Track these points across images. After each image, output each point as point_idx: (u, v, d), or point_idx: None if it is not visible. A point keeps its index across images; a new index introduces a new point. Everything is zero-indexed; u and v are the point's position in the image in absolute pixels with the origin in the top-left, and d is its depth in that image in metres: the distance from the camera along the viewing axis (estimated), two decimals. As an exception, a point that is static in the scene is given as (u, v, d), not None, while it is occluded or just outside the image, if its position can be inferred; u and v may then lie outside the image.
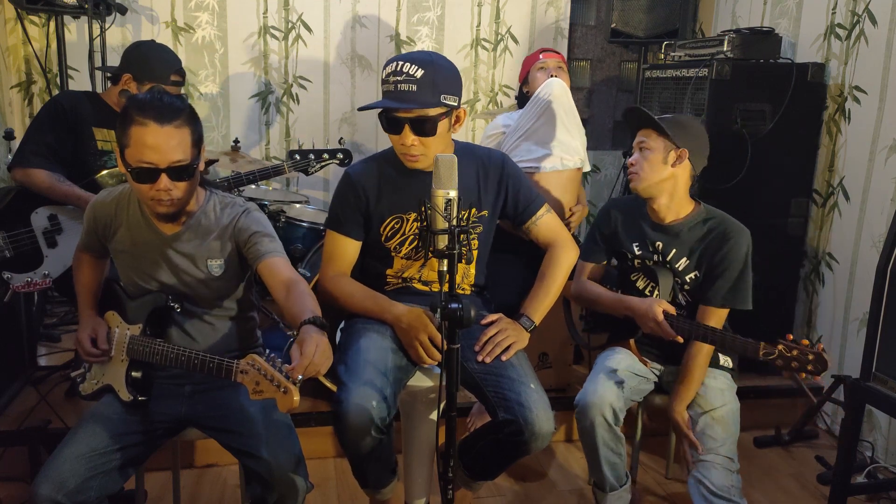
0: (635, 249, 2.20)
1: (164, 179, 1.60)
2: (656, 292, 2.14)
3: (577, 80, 4.21)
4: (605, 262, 2.32)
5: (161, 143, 1.57)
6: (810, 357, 1.80)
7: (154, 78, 2.49)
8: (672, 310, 2.04)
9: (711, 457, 2.01)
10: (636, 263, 2.22)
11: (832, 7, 2.98)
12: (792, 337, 1.84)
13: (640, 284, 2.21)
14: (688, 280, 2.14)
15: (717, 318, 2.08)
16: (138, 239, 1.77)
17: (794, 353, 1.82)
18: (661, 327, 2.01)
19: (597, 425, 2.00)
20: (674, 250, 2.13)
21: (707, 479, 1.99)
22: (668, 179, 2.08)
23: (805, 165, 3.07)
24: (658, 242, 2.15)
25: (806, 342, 1.83)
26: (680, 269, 2.13)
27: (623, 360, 2.16)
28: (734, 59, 2.95)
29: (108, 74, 2.61)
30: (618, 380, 2.08)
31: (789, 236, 3.09)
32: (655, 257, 2.17)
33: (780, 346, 1.83)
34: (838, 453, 2.22)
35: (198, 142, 1.66)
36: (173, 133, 1.58)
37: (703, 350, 2.07)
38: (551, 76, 2.85)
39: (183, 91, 3.58)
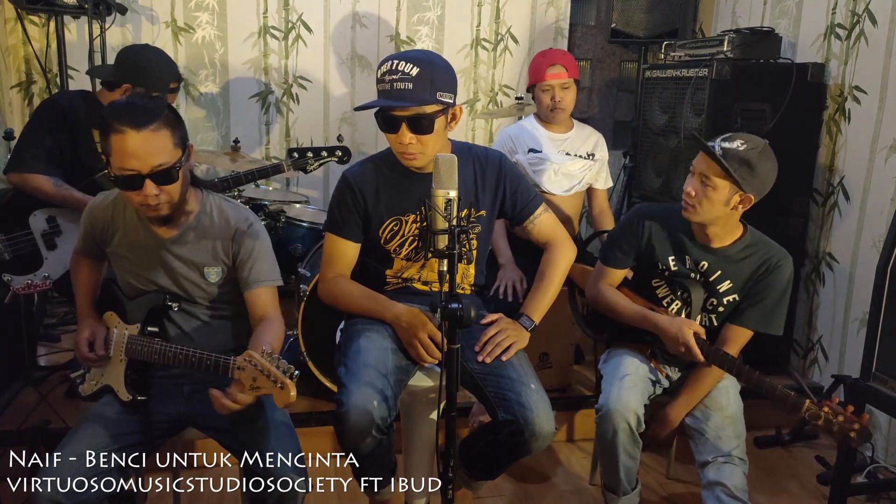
0: (671, 264, 2.10)
1: (148, 185, 1.58)
2: (675, 305, 2.10)
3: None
4: (627, 270, 2.22)
5: (140, 148, 1.55)
6: (856, 426, 1.74)
7: (154, 87, 2.46)
8: (702, 332, 1.98)
9: (731, 458, 2.00)
10: (666, 274, 2.13)
11: (832, 7, 2.98)
12: (838, 400, 1.79)
13: (661, 293, 2.15)
14: (724, 302, 2.07)
15: (743, 338, 2.06)
16: (136, 243, 1.76)
17: (840, 418, 1.75)
18: (691, 352, 1.95)
19: (619, 431, 1.98)
20: (719, 272, 2.05)
21: (727, 480, 1.97)
22: (726, 216, 1.97)
23: (805, 165, 3.07)
24: (703, 262, 2.06)
25: (851, 408, 1.77)
26: (721, 290, 2.06)
27: (640, 365, 2.13)
28: (734, 59, 2.94)
29: (103, 80, 2.57)
30: (638, 385, 2.06)
31: (789, 236, 3.08)
32: (693, 275, 2.08)
33: (826, 409, 1.77)
34: (838, 453, 2.22)
35: (181, 142, 1.63)
36: (152, 137, 1.56)
37: (717, 370, 2.04)
38: (553, 100, 2.84)
39: (182, 91, 3.60)
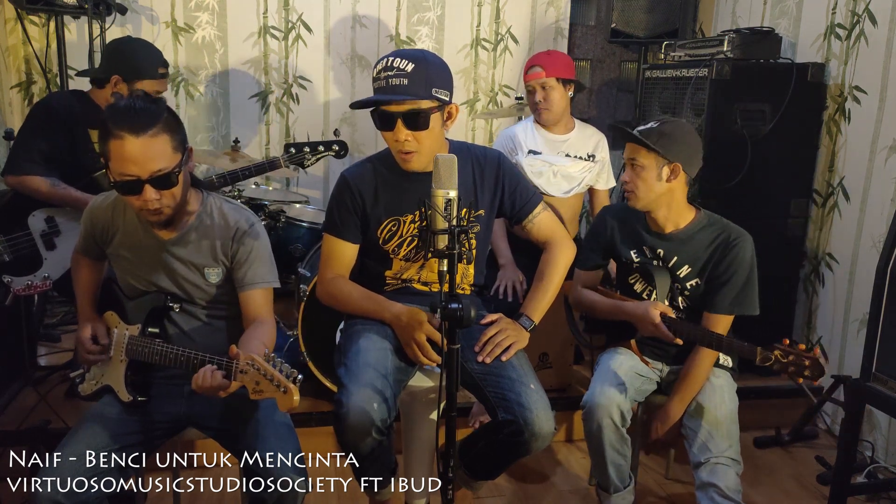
0: (633, 257, 2.18)
1: (148, 190, 1.58)
2: (654, 295, 2.13)
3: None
4: (601, 270, 2.30)
5: (139, 154, 1.55)
6: (806, 363, 1.78)
7: (143, 75, 2.45)
8: (670, 312, 2.03)
9: (724, 459, 2.01)
10: (634, 266, 2.19)
11: (832, 7, 2.98)
12: (788, 341, 1.82)
13: (638, 288, 2.20)
14: (688, 286, 2.12)
15: (723, 324, 2.07)
16: (136, 244, 1.76)
17: (791, 358, 1.79)
18: (658, 330, 2.00)
19: (604, 427, 1.99)
20: (675, 258, 2.11)
21: (720, 481, 1.98)
22: (666, 193, 2.05)
23: (805, 165, 3.07)
24: (659, 249, 2.13)
25: (802, 346, 1.80)
26: (681, 276, 2.11)
27: (626, 360, 2.15)
28: (734, 59, 2.94)
29: (95, 77, 2.56)
30: (623, 381, 2.07)
31: (789, 236, 3.09)
32: (656, 262, 2.14)
33: (777, 352, 1.81)
34: (838, 453, 2.22)
35: (180, 146, 1.63)
36: (151, 143, 1.56)
37: (709, 353, 2.06)
38: (536, 101, 2.83)
39: (182, 91, 3.60)
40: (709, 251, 2.08)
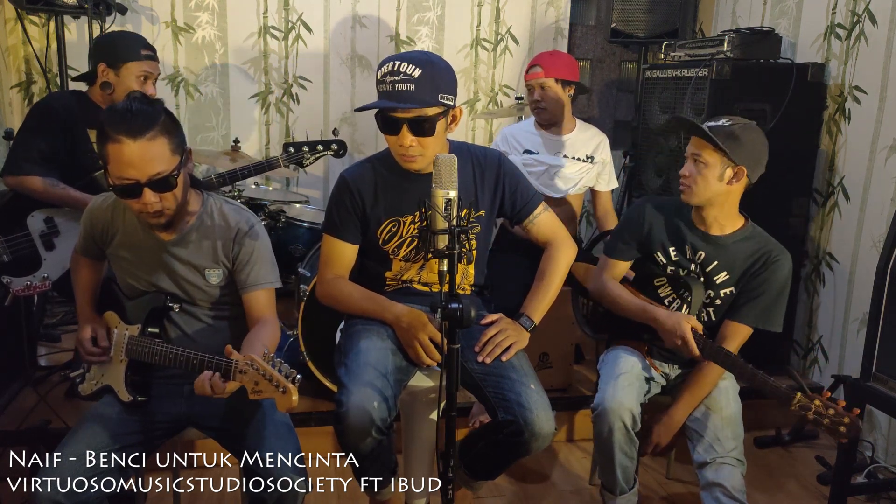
0: (672, 254, 2.12)
1: (147, 193, 1.58)
2: (676, 303, 2.10)
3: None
4: (631, 262, 2.24)
5: (137, 158, 1.54)
6: (845, 420, 1.74)
7: (127, 57, 2.43)
8: (699, 327, 1.98)
9: (729, 459, 2.00)
10: (668, 270, 2.14)
11: (832, 7, 2.98)
12: (829, 394, 1.78)
13: (663, 293, 2.15)
14: (721, 295, 2.08)
15: (742, 335, 2.06)
16: (136, 245, 1.76)
17: (830, 412, 1.75)
18: (687, 346, 1.95)
19: (615, 430, 1.98)
20: (716, 262, 2.06)
21: (726, 481, 1.97)
22: (722, 194, 2.00)
23: (805, 165, 3.07)
24: (700, 252, 2.08)
25: (842, 403, 1.77)
26: (718, 282, 2.07)
27: (636, 363, 2.13)
28: (734, 59, 2.94)
29: (87, 77, 2.56)
30: (633, 384, 2.06)
31: (789, 236, 3.08)
32: (693, 266, 2.10)
33: (817, 402, 1.76)
34: (838, 453, 2.22)
35: (178, 148, 1.62)
36: (149, 146, 1.55)
37: (717, 368, 2.04)
38: (535, 100, 2.83)
39: (182, 91, 3.60)
40: (748, 262, 2.04)
